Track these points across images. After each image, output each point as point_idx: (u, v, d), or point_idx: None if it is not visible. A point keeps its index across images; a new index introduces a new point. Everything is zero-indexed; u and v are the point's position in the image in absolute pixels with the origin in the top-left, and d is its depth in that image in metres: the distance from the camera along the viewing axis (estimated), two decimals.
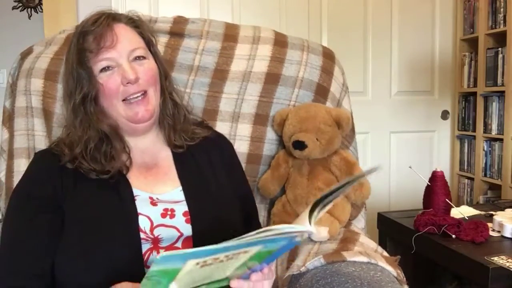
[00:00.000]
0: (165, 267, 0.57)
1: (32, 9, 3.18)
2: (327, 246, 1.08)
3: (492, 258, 1.23)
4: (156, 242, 0.81)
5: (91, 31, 0.82)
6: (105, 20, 0.83)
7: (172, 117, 0.92)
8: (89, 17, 0.86)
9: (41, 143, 1.15)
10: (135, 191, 0.84)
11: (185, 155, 0.93)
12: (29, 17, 3.18)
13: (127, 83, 0.82)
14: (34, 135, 1.16)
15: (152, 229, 0.81)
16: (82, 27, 0.84)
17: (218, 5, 2.26)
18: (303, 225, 0.64)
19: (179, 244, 0.82)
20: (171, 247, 0.81)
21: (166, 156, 0.93)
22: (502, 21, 2.29)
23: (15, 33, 3.06)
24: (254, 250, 0.63)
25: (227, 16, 2.23)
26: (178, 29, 1.25)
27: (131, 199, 0.83)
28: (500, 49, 2.30)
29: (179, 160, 0.92)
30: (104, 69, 0.83)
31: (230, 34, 1.28)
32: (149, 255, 0.79)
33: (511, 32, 2.21)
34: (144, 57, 0.86)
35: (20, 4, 3.18)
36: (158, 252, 0.80)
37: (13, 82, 1.19)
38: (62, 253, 0.78)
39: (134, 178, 0.86)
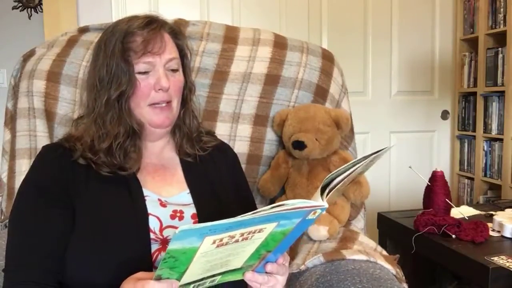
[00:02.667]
0: (183, 246, 0.57)
1: (32, 9, 3.19)
2: (326, 245, 1.08)
3: (492, 258, 1.23)
4: (164, 243, 0.81)
5: (140, 33, 0.83)
6: (158, 28, 0.85)
7: (190, 127, 0.95)
8: (133, 18, 0.86)
9: (43, 144, 1.15)
10: (145, 191, 0.85)
11: (193, 162, 0.95)
12: (29, 17, 3.18)
13: (159, 89, 0.85)
14: (36, 136, 1.17)
15: (161, 229, 0.81)
16: (130, 27, 0.84)
17: (218, 6, 2.27)
18: (315, 201, 0.65)
19: None
20: None
21: (173, 159, 0.94)
22: (502, 21, 2.30)
23: (15, 33, 3.06)
24: (268, 228, 0.63)
25: (227, 17, 2.24)
26: None
27: (142, 198, 0.84)
28: (500, 49, 2.30)
29: (186, 164, 0.94)
30: (141, 72, 0.84)
31: (230, 36, 1.28)
32: (157, 255, 0.79)
33: (511, 32, 2.21)
34: (177, 70, 0.89)
35: (20, 4, 3.18)
36: None
37: (15, 84, 1.20)
38: (72, 251, 0.78)
39: (141, 177, 0.87)
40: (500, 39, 2.33)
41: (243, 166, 1.20)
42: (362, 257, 0.98)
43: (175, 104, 0.89)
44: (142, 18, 0.86)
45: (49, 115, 1.16)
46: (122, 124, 0.85)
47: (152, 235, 0.80)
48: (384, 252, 1.07)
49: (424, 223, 1.45)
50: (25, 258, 0.77)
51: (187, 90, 0.94)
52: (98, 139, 0.84)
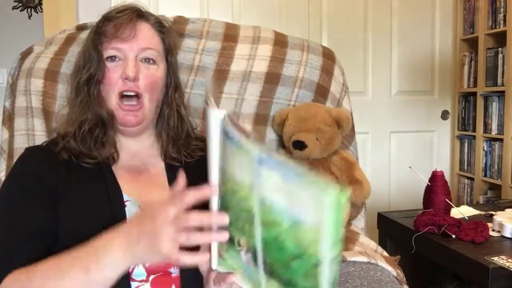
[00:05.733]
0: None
1: (32, 9, 3.19)
2: None
3: (492, 258, 1.23)
4: None
5: (114, 17, 0.82)
6: (131, 13, 0.83)
7: (175, 130, 0.90)
8: (118, 6, 0.86)
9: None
10: (125, 197, 0.81)
11: (179, 166, 0.89)
12: (29, 17, 3.18)
13: (125, 78, 0.81)
14: (34, 135, 1.16)
15: None
16: (108, 13, 0.84)
17: (218, 5, 2.26)
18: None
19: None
20: (157, 263, 0.76)
21: (157, 164, 0.89)
22: (502, 21, 2.30)
23: (15, 33, 3.06)
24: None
25: (227, 16, 2.23)
26: (178, 29, 1.25)
27: (122, 207, 0.79)
28: (500, 49, 2.30)
29: (171, 168, 0.88)
30: (110, 58, 0.82)
31: (230, 34, 1.28)
32: (134, 266, 0.75)
33: (511, 32, 2.21)
34: (154, 61, 0.84)
35: (20, 4, 3.18)
36: (144, 265, 0.76)
37: (13, 82, 1.19)
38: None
39: (124, 181, 0.83)
40: (500, 39, 2.32)
41: None
42: (363, 258, 0.98)
43: (146, 100, 0.83)
44: (123, 5, 0.85)
45: (47, 115, 1.15)
46: (90, 110, 0.83)
47: None
48: (385, 253, 1.07)
49: (424, 223, 1.44)
50: (12, 249, 0.73)
51: (172, 89, 0.89)
52: (67, 123, 0.84)
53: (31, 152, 0.87)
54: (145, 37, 0.83)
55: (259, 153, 0.52)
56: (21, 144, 1.15)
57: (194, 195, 0.57)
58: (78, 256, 0.64)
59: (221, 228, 0.58)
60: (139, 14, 0.85)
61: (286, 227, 0.50)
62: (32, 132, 1.16)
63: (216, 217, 0.57)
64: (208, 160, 0.59)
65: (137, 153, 0.89)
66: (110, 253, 0.61)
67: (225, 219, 0.56)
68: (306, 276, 0.49)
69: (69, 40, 1.22)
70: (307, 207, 0.48)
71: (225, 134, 0.57)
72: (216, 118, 0.58)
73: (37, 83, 1.16)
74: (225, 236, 0.57)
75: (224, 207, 0.58)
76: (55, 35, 1.26)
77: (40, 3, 3.09)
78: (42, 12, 2.86)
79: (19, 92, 1.17)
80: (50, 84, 1.16)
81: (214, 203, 0.59)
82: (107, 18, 0.83)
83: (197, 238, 0.57)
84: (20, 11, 3.18)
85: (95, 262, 0.62)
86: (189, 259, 0.58)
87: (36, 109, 1.16)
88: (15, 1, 3.17)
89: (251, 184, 0.54)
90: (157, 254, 0.58)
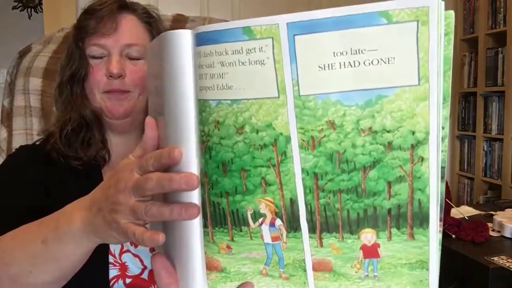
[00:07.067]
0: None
1: (32, 9, 3.19)
2: None
3: (492, 258, 1.23)
4: (123, 269, 0.72)
5: (94, 10, 0.76)
6: (112, 4, 0.76)
7: None
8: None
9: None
10: None
11: None
12: (29, 17, 3.18)
13: (110, 76, 0.75)
14: (32, 134, 1.16)
15: (121, 253, 0.73)
16: (88, 6, 0.78)
17: (218, 3, 2.27)
18: None
19: (145, 276, 0.73)
20: (137, 278, 0.72)
21: None
22: (502, 21, 2.29)
23: (15, 33, 3.06)
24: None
25: (227, 15, 2.23)
26: (178, 27, 1.25)
27: None
28: (500, 49, 2.30)
29: None
30: (94, 56, 0.77)
31: None
32: (114, 283, 0.71)
33: (511, 32, 2.21)
34: (139, 58, 0.78)
35: (20, 4, 3.19)
36: (124, 282, 0.71)
37: (11, 81, 1.19)
38: None
39: None
40: (500, 39, 2.32)
41: None
42: None
43: (135, 96, 0.77)
44: None
45: (46, 114, 1.15)
46: (74, 110, 0.77)
47: (111, 259, 0.71)
48: None
49: None
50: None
51: None
52: (54, 124, 0.80)
53: (23, 151, 0.83)
54: (128, 31, 0.77)
55: (288, 21, 0.35)
56: (19, 143, 1.15)
57: (156, 156, 0.43)
58: (40, 224, 0.55)
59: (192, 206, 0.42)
60: (121, 5, 0.78)
61: (353, 124, 0.33)
62: (31, 132, 1.16)
63: (180, 179, 0.41)
64: (169, 117, 0.42)
65: (127, 154, 0.84)
66: (71, 223, 0.51)
67: (193, 179, 0.41)
68: (394, 186, 0.33)
69: (68, 38, 1.21)
70: (394, 54, 0.32)
71: (204, 51, 0.39)
72: (184, 38, 0.40)
73: (36, 82, 1.16)
74: (192, 212, 0.42)
75: (212, 172, 0.41)
76: (53, 34, 1.25)
77: (40, 3, 3.09)
78: (42, 12, 2.86)
79: (18, 91, 1.17)
80: (48, 83, 1.16)
81: (192, 168, 0.41)
82: (87, 12, 0.77)
83: (160, 211, 0.42)
84: (20, 11, 3.19)
85: (54, 232, 0.52)
86: (139, 234, 0.43)
87: (35, 108, 1.16)
88: (15, 1, 3.17)
89: (279, 87, 0.36)
90: (115, 228, 0.46)
